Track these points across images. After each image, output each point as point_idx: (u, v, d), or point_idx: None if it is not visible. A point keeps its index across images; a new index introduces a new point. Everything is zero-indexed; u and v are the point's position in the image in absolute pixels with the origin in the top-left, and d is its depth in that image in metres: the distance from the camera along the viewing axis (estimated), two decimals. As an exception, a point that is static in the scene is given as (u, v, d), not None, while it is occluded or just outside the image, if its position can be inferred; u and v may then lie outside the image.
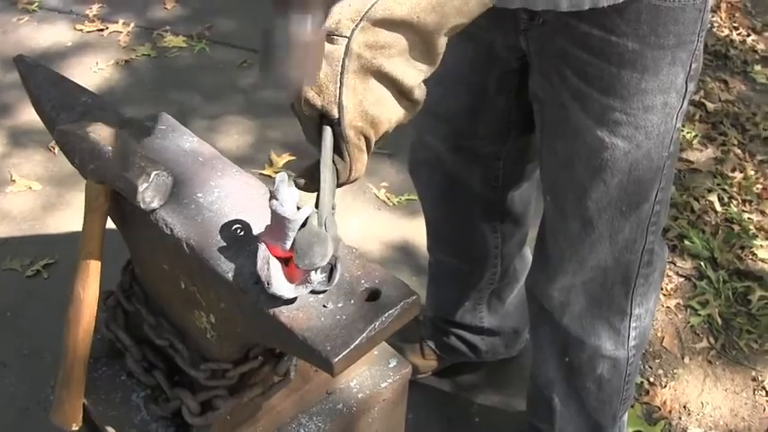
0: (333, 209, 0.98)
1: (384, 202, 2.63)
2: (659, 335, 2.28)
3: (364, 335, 0.97)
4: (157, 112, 1.29)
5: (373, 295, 1.02)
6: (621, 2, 1.18)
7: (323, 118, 0.98)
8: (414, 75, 1.01)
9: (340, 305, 1.00)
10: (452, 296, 2.04)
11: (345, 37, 0.97)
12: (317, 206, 0.98)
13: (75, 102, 1.30)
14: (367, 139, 1.00)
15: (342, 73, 0.97)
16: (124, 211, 1.18)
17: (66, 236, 2.47)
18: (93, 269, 1.21)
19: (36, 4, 3.43)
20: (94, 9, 3.39)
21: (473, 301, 2.03)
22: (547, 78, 1.35)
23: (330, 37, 0.98)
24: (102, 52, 3.17)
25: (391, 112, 1.01)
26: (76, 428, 1.29)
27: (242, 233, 1.09)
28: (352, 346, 0.95)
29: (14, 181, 2.64)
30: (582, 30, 1.24)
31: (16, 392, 2.08)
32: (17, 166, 2.69)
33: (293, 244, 0.97)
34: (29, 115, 2.85)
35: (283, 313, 0.99)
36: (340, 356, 0.94)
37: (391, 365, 1.37)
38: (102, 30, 3.31)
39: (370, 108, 0.99)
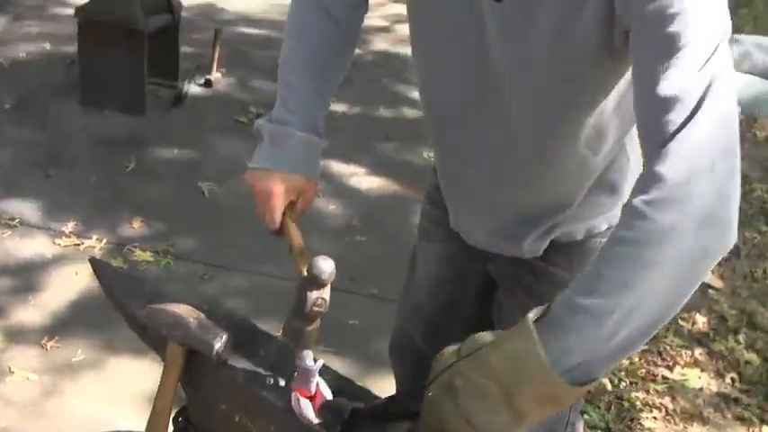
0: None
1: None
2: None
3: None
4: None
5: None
6: (563, 242, 1.66)
7: None
8: (486, 421, 1.17)
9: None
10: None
11: (449, 364, 1.22)
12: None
13: (141, 291, 1.78)
14: None
15: (431, 383, 1.24)
16: (193, 368, 1.64)
17: (65, 420, 2.80)
18: (165, 418, 1.64)
19: (17, 220, 3.87)
20: (70, 226, 3.85)
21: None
22: (505, 293, 1.81)
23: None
24: (81, 263, 3.57)
25: (448, 425, 1.21)
26: None
27: (283, 378, 1.56)
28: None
29: (13, 372, 2.98)
30: (530, 261, 1.71)
31: None
32: (13, 360, 3.04)
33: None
34: (20, 316, 3.26)
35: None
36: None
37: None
38: (78, 244, 3.75)
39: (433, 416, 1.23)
